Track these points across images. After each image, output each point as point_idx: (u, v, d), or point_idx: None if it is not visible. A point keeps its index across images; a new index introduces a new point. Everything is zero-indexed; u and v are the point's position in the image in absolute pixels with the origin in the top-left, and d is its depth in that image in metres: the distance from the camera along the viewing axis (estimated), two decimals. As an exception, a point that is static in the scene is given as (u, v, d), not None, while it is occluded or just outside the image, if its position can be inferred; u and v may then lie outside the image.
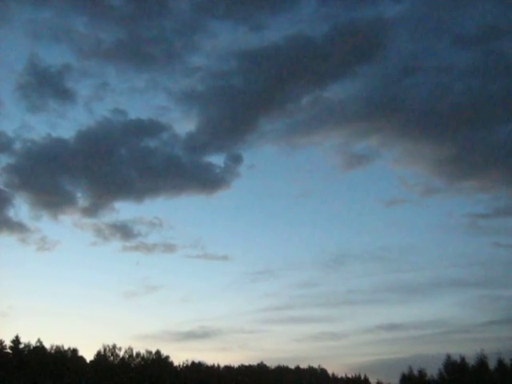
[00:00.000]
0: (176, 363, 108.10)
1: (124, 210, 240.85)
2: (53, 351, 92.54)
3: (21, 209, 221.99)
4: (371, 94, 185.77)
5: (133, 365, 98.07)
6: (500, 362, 72.67)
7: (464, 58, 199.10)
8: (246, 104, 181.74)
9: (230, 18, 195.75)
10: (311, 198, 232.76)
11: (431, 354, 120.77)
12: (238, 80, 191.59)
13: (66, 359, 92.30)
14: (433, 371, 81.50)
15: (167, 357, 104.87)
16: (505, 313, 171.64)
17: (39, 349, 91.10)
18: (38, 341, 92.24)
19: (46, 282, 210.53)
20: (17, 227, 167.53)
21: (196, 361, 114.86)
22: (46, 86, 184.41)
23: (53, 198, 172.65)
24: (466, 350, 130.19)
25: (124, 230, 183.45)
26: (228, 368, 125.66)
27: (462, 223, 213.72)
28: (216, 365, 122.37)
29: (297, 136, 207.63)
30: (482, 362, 73.03)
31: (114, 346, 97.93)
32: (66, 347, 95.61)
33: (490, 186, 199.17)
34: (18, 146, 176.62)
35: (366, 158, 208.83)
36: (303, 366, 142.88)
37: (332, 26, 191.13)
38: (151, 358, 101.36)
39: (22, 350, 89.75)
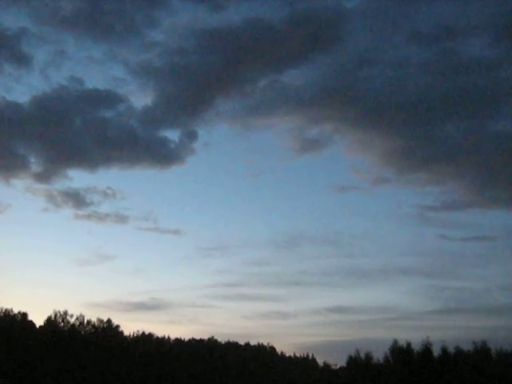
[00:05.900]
0: (126, 333, 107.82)
1: (77, 178, 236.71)
2: (1, 314, 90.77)
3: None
4: (327, 82, 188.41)
5: (83, 332, 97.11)
6: (444, 350, 75.72)
7: (418, 54, 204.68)
8: (203, 82, 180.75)
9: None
10: (265, 178, 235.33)
11: (378, 338, 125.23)
12: (195, 58, 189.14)
13: (15, 323, 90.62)
14: (379, 355, 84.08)
15: (118, 326, 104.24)
16: (449, 303, 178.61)
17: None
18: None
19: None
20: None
21: (146, 332, 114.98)
22: (1, 48, 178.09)
23: (5, 162, 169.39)
24: (412, 336, 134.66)
25: (76, 198, 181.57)
26: (178, 341, 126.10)
27: (410, 214, 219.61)
28: (166, 337, 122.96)
29: (252, 117, 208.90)
30: (426, 348, 75.78)
31: (66, 313, 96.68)
32: (15, 311, 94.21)
33: (438, 179, 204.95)
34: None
35: (319, 144, 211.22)
36: (253, 342, 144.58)
37: (291, 12, 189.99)
38: (102, 326, 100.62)
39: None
